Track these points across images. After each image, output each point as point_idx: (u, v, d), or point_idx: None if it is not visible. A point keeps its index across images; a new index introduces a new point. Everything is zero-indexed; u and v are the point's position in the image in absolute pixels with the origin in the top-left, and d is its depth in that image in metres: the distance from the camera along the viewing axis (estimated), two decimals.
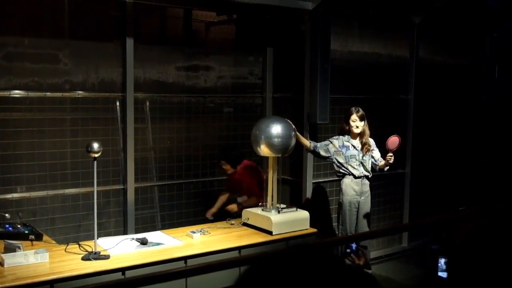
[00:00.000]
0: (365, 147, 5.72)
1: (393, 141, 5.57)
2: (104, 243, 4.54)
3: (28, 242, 4.39)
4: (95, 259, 4.17)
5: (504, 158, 7.96)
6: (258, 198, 5.75)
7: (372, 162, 5.80)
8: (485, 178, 8.04)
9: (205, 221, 5.87)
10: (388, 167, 5.74)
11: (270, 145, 5.17)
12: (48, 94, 5.38)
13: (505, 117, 8.07)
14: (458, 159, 8.09)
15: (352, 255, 3.06)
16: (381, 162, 5.75)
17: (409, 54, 7.45)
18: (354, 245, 3.07)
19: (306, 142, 5.84)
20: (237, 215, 5.60)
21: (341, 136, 5.80)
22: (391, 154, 5.54)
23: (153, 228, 5.74)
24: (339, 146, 5.74)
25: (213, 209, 6.09)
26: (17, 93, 5.23)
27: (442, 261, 3.14)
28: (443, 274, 3.14)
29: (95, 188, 4.35)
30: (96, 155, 4.24)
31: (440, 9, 7.29)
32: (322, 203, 6.72)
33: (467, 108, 8.21)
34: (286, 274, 1.08)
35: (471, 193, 7.91)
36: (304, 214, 5.32)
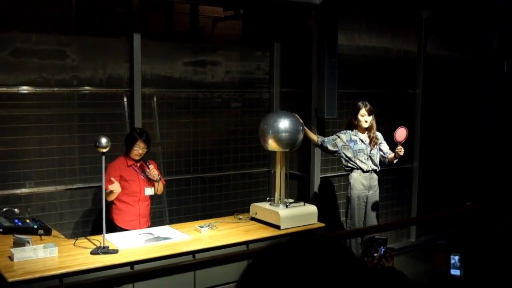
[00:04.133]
0: (373, 141, 5.71)
1: (401, 133, 5.54)
2: (112, 238, 4.56)
3: (37, 237, 4.41)
4: (104, 253, 4.18)
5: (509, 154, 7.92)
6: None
7: (381, 155, 5.78)
8: (491, 174, 8.01)
9: (213, 215, 5.88)
10: (397, 160, 5.72)
11: (278, 140, 5.17)
12: (56, 90, 5.40)
13: None
14: (465, 154, 8.06)
15: (382, 259, 3.06)
16: (391, 154, 5.73)
17: (417, 48, 7.42)
18: (382, 249, 3.07)
19: (314, 137, 5.83)
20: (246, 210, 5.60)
21: (348, 131, 5.78)
22: (401, 147, 5.53)
23: (161, 223, 5.75)
24: (346, 140, 5.73)
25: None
26: (25, 89, 5.26)
27: (455, 258, 3.13)
28: (456, 272, 3.12)
29: (104, 183, 4.36)
30: (104, 150, 4.25)
31: (448, 4, 7.25)
32: (330, 198, 6.71)
33: (475, 103, 8.17)
34: (297, 267, 1.08)
35: (479, 188, 7.88)
36: (312, 208, 5.32)
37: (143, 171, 5.10)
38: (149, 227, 5.17)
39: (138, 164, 5.12)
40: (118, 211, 5.05)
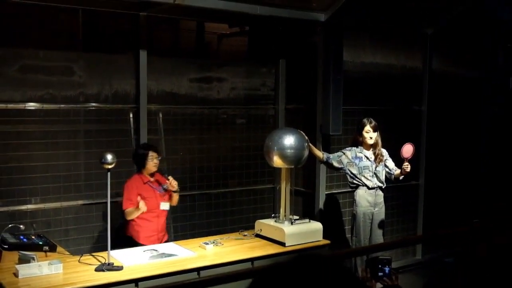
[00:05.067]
0: (378, 158, 5.70)
1: (407, 149, 5.53)
2: (117, 254, 4.55)
3: (42, 253, 4.41)
4: (109, 270, 4.17)
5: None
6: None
7: (386, 172, 5.76)
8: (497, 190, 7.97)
9: (218, 232, 5.86)
10: (404, 176, 5.71)
11: (283, 156, 5.17)
12: (63, 106, 5.44)
13: None
14: (471, 171, 8.03)
15: (385, 278, 3.04)
16: (397, 171, 5.71)
17: (422, 65, 7.43)
18: (387, 269, 3.05)
19: (319, 153, 5.83)
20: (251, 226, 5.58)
21: (354, 147, 5.78)
22: (407, 163, 5.51)
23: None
24: (352, 157, 5.72)
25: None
26: (32, 105, 5.29)
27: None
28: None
29: (109, 200, 4.36)
30: (110, 167, 4.26)
31: (453, 21, 7.27)
32: (335, 214, 6.69)
33: (480, 119, 8.16)
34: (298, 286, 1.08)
35: (485, 205, 7.83)
36: (317, 225, 5.30)
37: (159, 186, 5.15)
38: (167, 240, 5.23)
39: (153, 180, 5.17)
40: (139, 228, 5.08)
